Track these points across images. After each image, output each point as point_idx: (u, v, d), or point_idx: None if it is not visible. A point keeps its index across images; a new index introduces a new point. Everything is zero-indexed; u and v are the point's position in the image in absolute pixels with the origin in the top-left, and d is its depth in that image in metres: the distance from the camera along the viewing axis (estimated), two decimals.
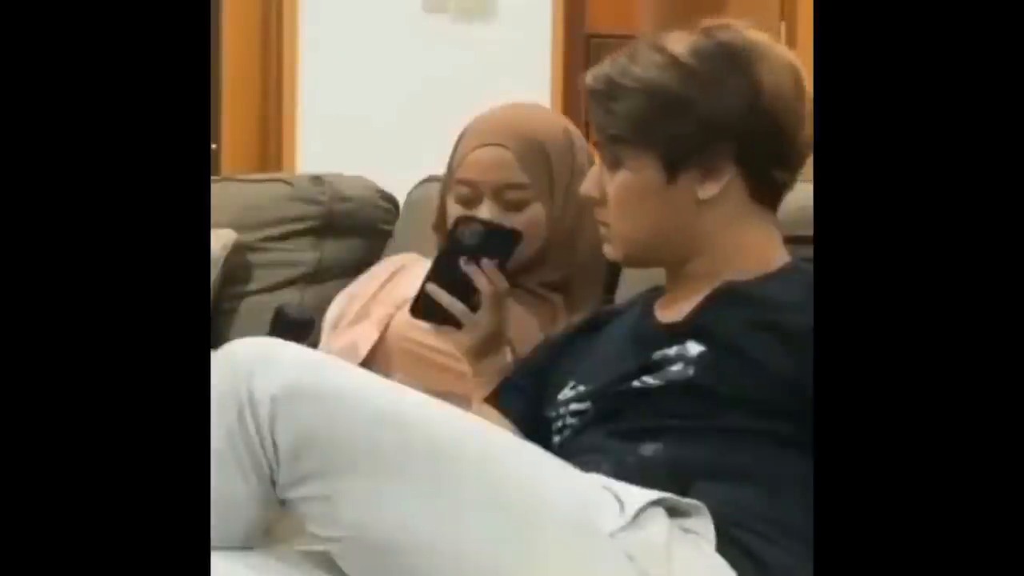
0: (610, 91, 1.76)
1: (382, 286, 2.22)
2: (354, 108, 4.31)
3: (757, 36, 1.75)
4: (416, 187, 2.59)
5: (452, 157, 2.16)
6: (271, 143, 4.37)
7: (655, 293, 1.85)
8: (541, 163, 2.07)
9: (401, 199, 2.63)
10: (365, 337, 2.14)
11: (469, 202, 2.08)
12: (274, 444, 1.49)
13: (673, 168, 1.73)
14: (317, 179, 2.64)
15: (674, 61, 1.72)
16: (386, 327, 2.13)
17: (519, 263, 2.05)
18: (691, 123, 1.72)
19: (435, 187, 2.51)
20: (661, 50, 1.74)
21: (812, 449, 1.48)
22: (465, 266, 1.86)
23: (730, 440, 1.64)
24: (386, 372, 2.08)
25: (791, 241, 1.84)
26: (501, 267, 1.89)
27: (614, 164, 1.77)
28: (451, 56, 4.39)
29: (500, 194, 2.07)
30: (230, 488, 1.50)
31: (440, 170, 2.54)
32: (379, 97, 4.34)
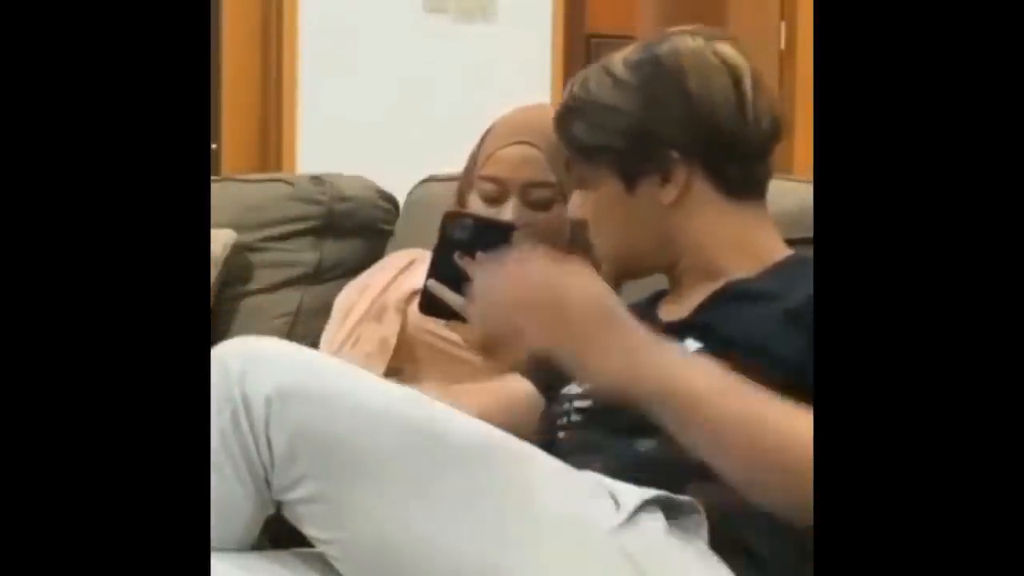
0: (566, 114, 1.82)
1: (393, 279, 2.22)
2: (354, 108, 4.31)
3: (687, 43, 1.78)
4: (416, 187, 2.60)
5: (476, 154, 2.15)
6: (271, 143, 4.37)
7: (662, 293, 1.86)
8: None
9: (401, 199, 2.64)
10: (392, 331, 2.14)
11: (494, 200, 2.08)
12: (269, 446, 1.49)
13: (629, 180, 1.77)
14: (317, 179, 2.64)
15: (614, 79, 1.78)
16: (405, 317, 2.12)
17: None
18: (633, 135, 1.76)
19: (435, 187, 2.52)
20: (607, 69, 1.80)
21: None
22: (459, 260, 1.86)
23: None
24: (409, 364, 2.08)
25: (791, 242, 1.84)
26: None
27: (581, 184, 1.82)
28: (452, 56, 4.39)
29: (527, 192, 2.07)
30: (226, 491, 1.49)
31: (440, 170, 2.54)
32: (379, 97, 4.35)
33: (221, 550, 1.48)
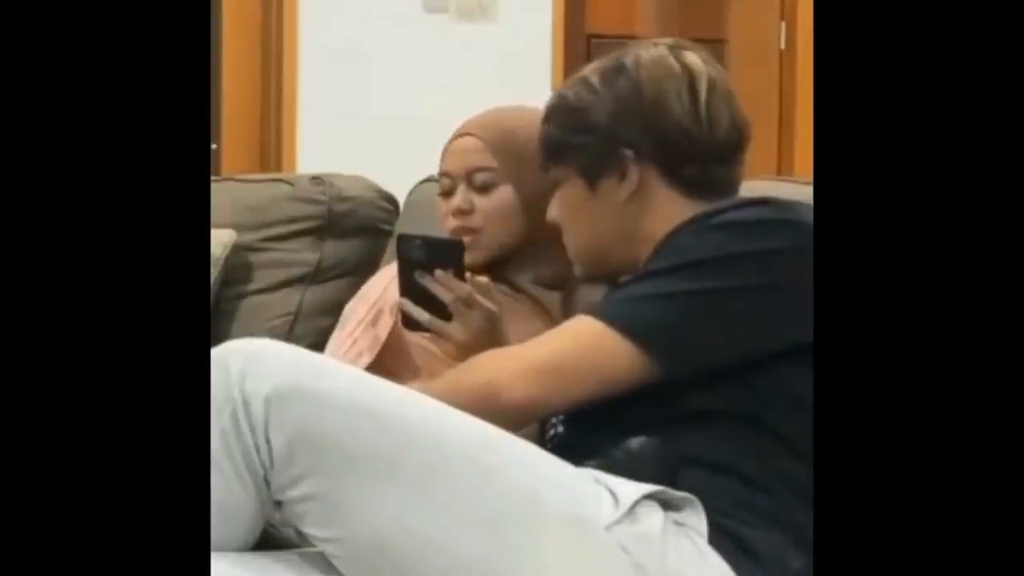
0: (546, 116, 1.90)
1: (387, 286, 2.24)
2: (354, 108, 4.31)
3: (651, 51, 1.86)
4: (416, 187, 2.60)
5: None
6: (271, 143, 4.37)
7: None
8: (509, 146, 2.14)
9: (401, 199, 2.64)
10: (385, 331, 2.16)
11: (448, 192, 2.17)
12: (268, 445, 1.50)
13: (591, 178, 1.85)
14: (317, 179, 2.64)
15: (586, 84, 1.86)
16: (398, 318, 2.14)
17: (502, 253, 2.09)
18: (595, 136, 1.84)
19: (435, 187, 2.52)
20: (582, 74, 1.89)
21: (781, 432, 1.64)
22: (420, 279, 1.88)
23: (712, 428, 1.67)
24: (404, 366, 2.10)
25: None
26: (459, 275, 1.90)
27: (554, 186, 1.90)
28: (451, 56, 4.39)
29: (471, 178, 2.14)
30: (226, 490, 1.50)
31: None
32: (379, 97, 4.35)
33: (221, 550, 1.48)
